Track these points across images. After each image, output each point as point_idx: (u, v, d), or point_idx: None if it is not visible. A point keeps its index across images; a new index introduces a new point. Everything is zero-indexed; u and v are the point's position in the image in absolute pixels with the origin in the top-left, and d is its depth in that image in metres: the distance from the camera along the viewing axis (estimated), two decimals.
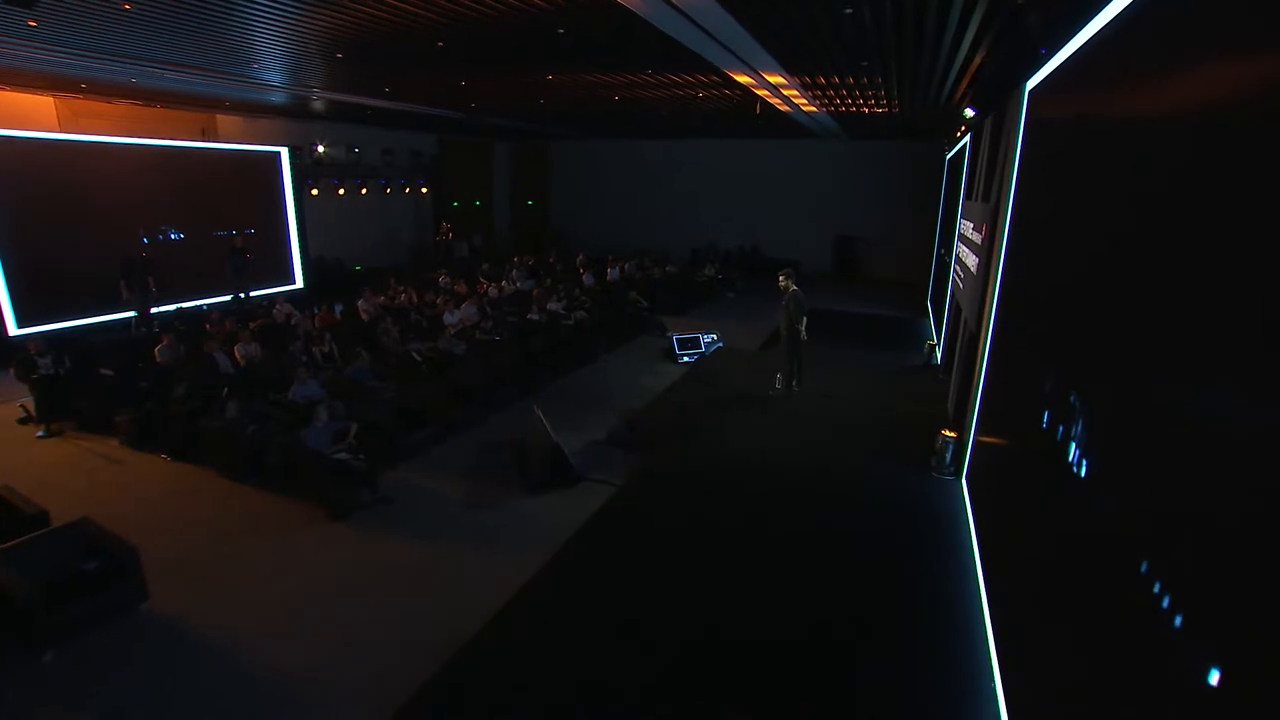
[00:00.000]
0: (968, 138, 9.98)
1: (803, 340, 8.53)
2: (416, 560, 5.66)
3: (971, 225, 7.72)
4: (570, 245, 22.44)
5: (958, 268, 8.98)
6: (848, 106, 13.56)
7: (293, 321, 10.99)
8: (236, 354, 9.20)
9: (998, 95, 7.30)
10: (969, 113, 9.73)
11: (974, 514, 5.61)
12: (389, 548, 5.86)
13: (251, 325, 11.00)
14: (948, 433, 6.47)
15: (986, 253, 6.31)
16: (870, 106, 13.33)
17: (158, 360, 9.03)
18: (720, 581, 5.03)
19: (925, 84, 9.97)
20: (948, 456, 6.42)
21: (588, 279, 16.73)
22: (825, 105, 13.28)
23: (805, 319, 8.44)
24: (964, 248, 8.42)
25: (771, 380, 9.32)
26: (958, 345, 8.09)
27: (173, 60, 9.25)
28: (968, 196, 9.32)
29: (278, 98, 13.03)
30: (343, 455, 6.52)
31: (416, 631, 4.73)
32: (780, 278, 8.67)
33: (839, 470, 6.70)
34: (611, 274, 17.52)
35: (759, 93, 11.58)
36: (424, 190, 20.77)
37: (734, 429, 7.77)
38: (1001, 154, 6.34)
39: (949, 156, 15.25)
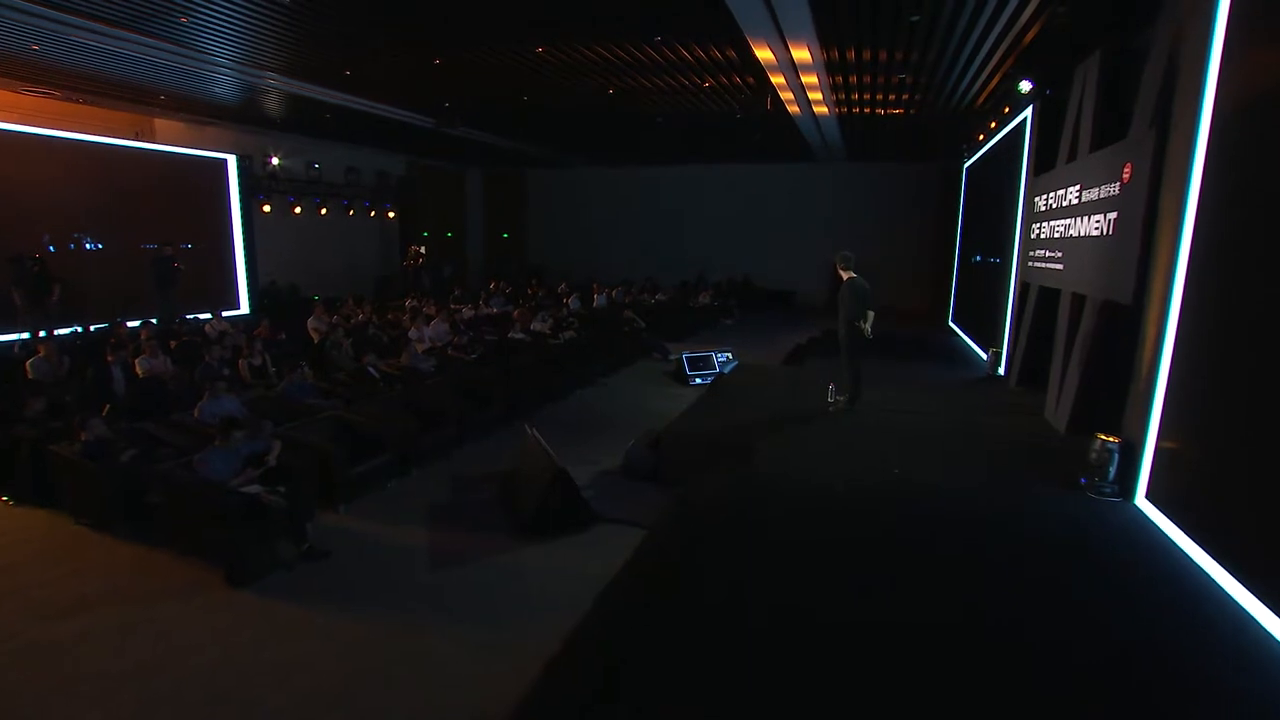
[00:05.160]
0: (1027, 112, 8.67)
1: (868, 339, 6.79)
2: (356, 647, 3.63)
3: (1078, 187, 6.22)
4: (550, 279, 20.72)
5: (1041, 253, 7.47)
6: (862, 106, 12.36)
7: (223, 332, 8.94)
8: (136, 367, 7.12)
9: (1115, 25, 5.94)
10: (1025, 86, 8.46)
11: (1225, 561, 3.74)
12: (315, 628, 3.81)
13: (173, 344, 8.94)
14: (1107, 438, 4.72)
15: (1144, 197, 4.75)
16: (887, 105, 12.14)
17: (29, 376, 6.91)
18: None
19: (971, 55, 8.70)
20: (1111, 470, 4.66)
21: (573, 304, 15.04)
22: (839, 102, 12.03)
23: (871, 313, 6.73)
24: (1056, 223, 6.92)
25: (816, 396, 7.56)
26: (1066, 341, 6.46)
27: (79, 8, 7.47)
28: (1039, 171, 7.92)
29: (222, 88, 11.27)
30: (254, 488, 4.49)
31: None
32: (838, 264, 7.00)
33: (960, 501, 4.77)
34: (598, 300, 15.84)
35: (774, 80, 10.23)
36: (391, 215, 18.98)
37: (792, 453, 5.91)
38: (1157, 74, 4.86)
39: (967, 165, 14.12)
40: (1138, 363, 4.81)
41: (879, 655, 3.17)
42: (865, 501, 4.83)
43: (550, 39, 8.84)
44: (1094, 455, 4.77)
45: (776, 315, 17.94)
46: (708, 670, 3.10)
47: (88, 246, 11.42)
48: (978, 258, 12.26)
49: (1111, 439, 4.73)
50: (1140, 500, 4.61)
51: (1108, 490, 4.71)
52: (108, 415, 5.66)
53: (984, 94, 10.62)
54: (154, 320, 11.32)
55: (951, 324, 14.84)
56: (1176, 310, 4.33)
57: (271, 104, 12.59)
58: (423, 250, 17.67)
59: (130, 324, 10.68)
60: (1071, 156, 6.64)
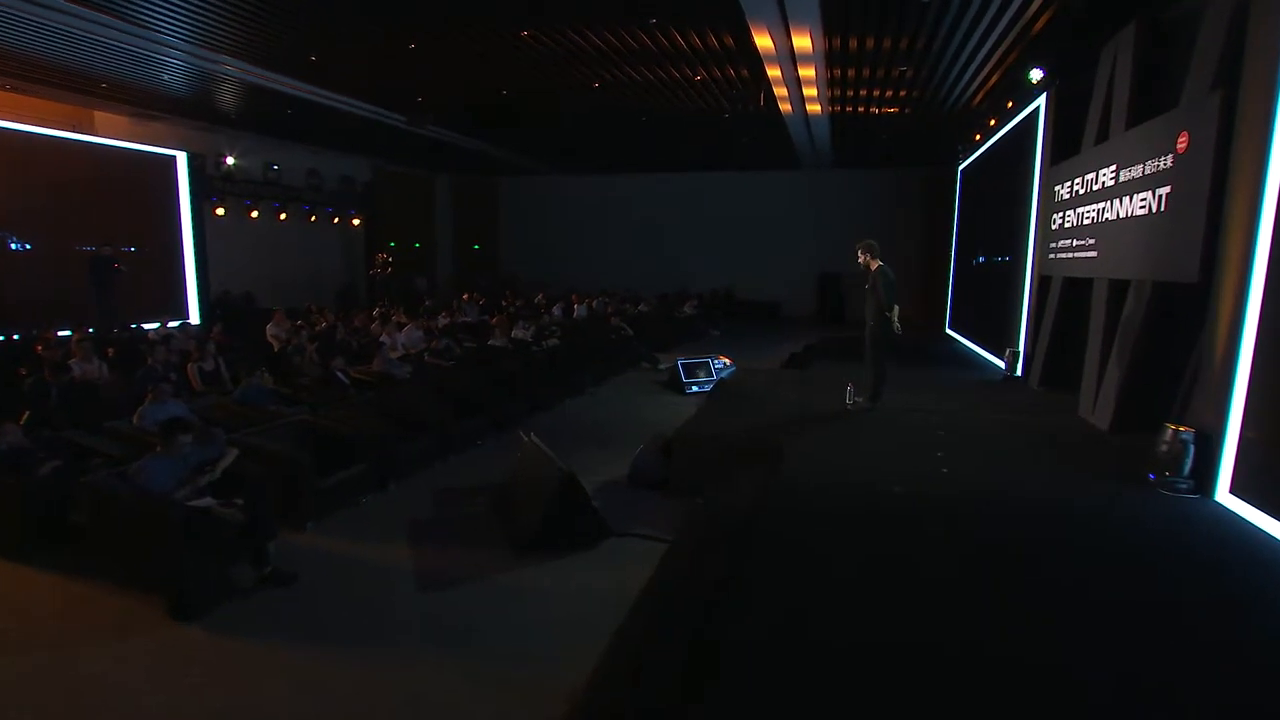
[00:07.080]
0: (1039, 101, 8.44)
1: (897, 333, 6.32)
2: (332, 688, 2.89)
3: (1114, 167, 5.88)
4: (524, 291, 19.93)
5: (1065, 243, 7.14)
6: (856, 105, 12.08)
7: (167, 335, 8.01)
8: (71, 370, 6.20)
9: None
10: (1035, 75, 8.24)
11: None
12: (279, 667, 3.05)
13: (110, 351, 7.96)
14: (1180, 428, 4.27)
15: (1209, 165, 4.38)
16: (883, 103, 11.87)
17: None
18: None
19: (978, 44, 8.44)
20: (1187, 464, 4.20)
21: (556, 311, 14.37)
22: (834, 99, 11.72)
23: (897, 307, 6.25)
24: (1085, 209, 6.59)
25: (830, 398, 7.06)
26: (1104, 332, 6.09)
27: None
28: (1057, 160, 7.68)
29: (172, 75, 10.38)
30: (205, 501, 3.71)
31: None
32: (860, 252, 6.51)
33: (1029, 505, 4.15)
34: (579, 310, 15.18)
35: (770, 72, 9.86)
36: (355, 223, 18.04)
37: (821, 455, 5.33)
38: (1218, 36, 4.54)
39: (962, 167, 14.00)
40: (1208, 346, 4.40)
41: (983, 686, 2.58)
42: (922, 508, 4.27)
43: (539, 22, 8.28)
44: (1164, 448, 4.32)
45: (762, 327, 17.53)
46: (789, 694, 2.46)
47: (13, 246, 10.31)
48: (981, 258, 12.01)
49: (1185, 428, 4.28)
50: (1223, 495, 4.15)
51: (1182, 486, 4.25)
52: (27, 423, 4.78)
53: (983, 90, 10.43)
54: (90, 330, 10.23)
55: (950, 331, 14.58)
56: (1260, 283, 3.93)
57: (227, 96, 11.72)
58: (390, 260, 16.77)
59: (61, 333, 9.58)
60: (1102, 137, 6.34)
